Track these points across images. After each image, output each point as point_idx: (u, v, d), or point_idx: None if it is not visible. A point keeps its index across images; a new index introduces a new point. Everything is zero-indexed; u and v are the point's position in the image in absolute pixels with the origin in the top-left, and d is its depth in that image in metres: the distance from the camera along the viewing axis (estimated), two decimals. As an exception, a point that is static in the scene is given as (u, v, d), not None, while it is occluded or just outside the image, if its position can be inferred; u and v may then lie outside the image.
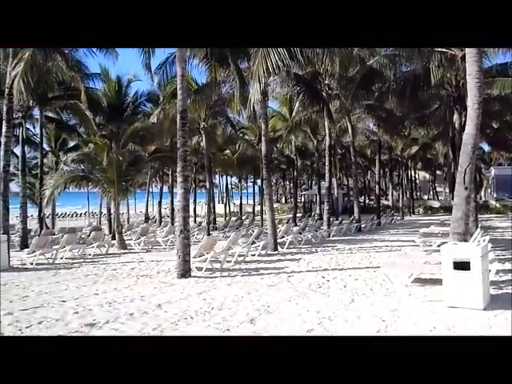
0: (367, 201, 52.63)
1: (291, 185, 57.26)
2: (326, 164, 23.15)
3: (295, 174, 37.66)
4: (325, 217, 22.32)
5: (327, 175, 23.16)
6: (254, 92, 12.79)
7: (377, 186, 35.35)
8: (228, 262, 12.10)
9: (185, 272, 10.27)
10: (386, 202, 44.72)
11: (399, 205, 38.45)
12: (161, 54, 15.59)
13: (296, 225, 24.92)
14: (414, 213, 42.59)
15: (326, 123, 21.96)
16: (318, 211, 31.23)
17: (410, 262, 9.31)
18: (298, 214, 34.97)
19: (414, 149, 38.98)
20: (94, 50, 18.70)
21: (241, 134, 31.82)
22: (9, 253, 13.23)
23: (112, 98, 23.14)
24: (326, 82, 21.99)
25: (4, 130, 14.68)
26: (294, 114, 27.14)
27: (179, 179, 10.73)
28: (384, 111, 24.52)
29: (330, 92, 22.33)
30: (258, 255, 13.60)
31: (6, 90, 14.61)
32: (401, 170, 42.73)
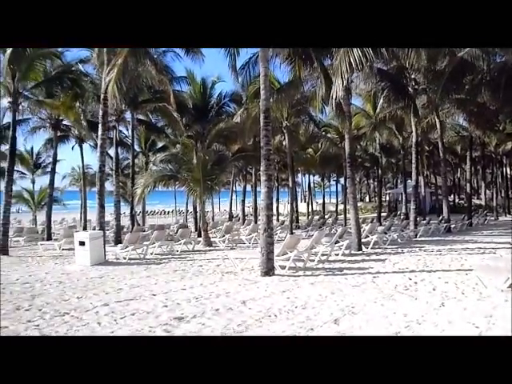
0: (457, 200, 49.91)
1: (375, 183, 55.80)
2: (413, 161, 22.30)
3: (379, 172, 36.57)
4: (411, 216, 21.52)
5: (414, 173, 22.27)
6: (336, 89, 12.58)
7: (468, 185, 33.38)
8: (311, 261, 12.03)
9: (268, 270, 10.36)
10: (477, 202, 42.21)
11: (493, 204, 36.10)
12: (244, 55, 15.77)
13: (381, 224, 24.23)
14: (509, 213, 39.74)
15: (413, 119, 21.15)
16: (403, 210, 30.19)
17: (506, 266, 8.68)
18: (382, 214, 33.94)
19: (510, 144, 36.30)
20: (181, 54, 19.52)
21: (323, 132, 31.48)
22: (104, 248, 14.13)
23: (197, 100, 23.86)
24: (413, 76, 21.16)
25: (100, 132, 15.67)
26: (378, 110, 26.43)
27: (263, 178, 10.84)
28: (476, 105, 23.09)
29: (416, 87, 21.45)
30: (342, 255, 13.38)
31: (102, 96, 15.57)
32: (495, 168, 40.05)
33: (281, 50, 15.03)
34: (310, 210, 44.20)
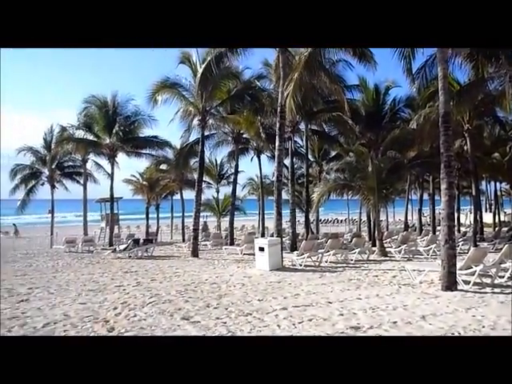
0: None
1: None
2: None
3: None
4: None
5: None
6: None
7: None
8: (500, 277, 10.88)
9: (450, 284, 9.69)
10: None
11: None
12: (420, 58, 15.09)
13: None
14: None
15: None
16: None
17: None
18: None
19: None
20: (353, 63, 19.48)
21: (512, 135, 28.30)
22: (282, 254, 14.79)
23: (370, 107, 23.50)
24: None
25: (277, 144, 16.52)
26: None
27: (443, 186, 10.21)
28: None
29: None
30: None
31: (278, 109, 16.42)
32: None
33: (461, 49, 14.03)
34: (496, 220, 39.97)
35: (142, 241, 20.96)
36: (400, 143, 23.55)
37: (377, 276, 12.34)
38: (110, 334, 6.65)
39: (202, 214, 25.83)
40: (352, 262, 15.84)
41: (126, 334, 6.73)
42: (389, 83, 24.24)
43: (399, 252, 17.33)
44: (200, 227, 36.94)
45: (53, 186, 30.68)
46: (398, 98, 24.12)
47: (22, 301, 9.58)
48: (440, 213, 10.81)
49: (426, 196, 34.04)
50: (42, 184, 31.01)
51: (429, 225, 31.73)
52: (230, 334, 6.60)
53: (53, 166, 30.62)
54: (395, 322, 7.03)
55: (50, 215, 31.11)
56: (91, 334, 6.77)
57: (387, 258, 17.02)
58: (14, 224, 40.93)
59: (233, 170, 29.50)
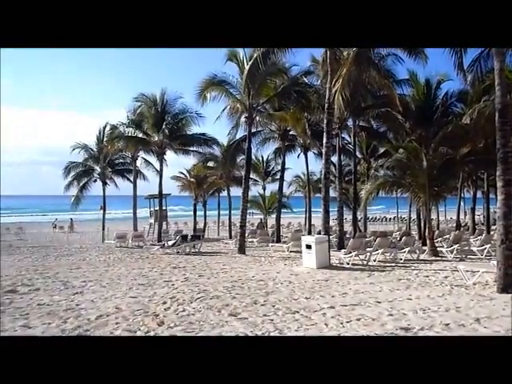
0: None
1: None
2: None
3: None
4: None
5: None
6: None
7: None
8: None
9: (506, 286, 9.28)
10: None
11: None
12: (473, 50, 14.48)
13: None
14: None
15: None
16: None
17: None
18: None
19: None
20: (403, 57, 19.00)
21: None
22: (329, 252, 14.64)
23: (421, 102, 22.74)
24: None
25: (324, 140, 16.36)
26: None
27: (499, 184, 9.77)
28: None
29: None
30: None
31: (326, 105, 16.23)
32: None
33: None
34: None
35: (189, 237, 21.30)
36: (452, 139, 22.74)
37: (427, 276, 11.99)
38: (111, 334, 6.62)
39: (248, 211, 25.93)
40: (401, 261, 15.47)
41: (174, 329, 6.85)
42: (440, 77, 23.43)
43: (451, 252, 16.75)
44: (254, 225, 37.37)
45: (104, 183, 31.67)
46: (450, 92, 23.29)
47: (77, 293, 9.94)
48: (495, 212, 10.36)
49: (479, 194, 32.76)
50: (95, 181, 32.07)
51: (482, 224, 30.51)
52: (277, 332, 6.57)
53: (104, 164, 31.61)
54: (447, 324, 6.80)
55: (101, 211, 32.20)
56: (141, 328, 6.93)
57: (438, 258, 16.51)
58: (71, 219, 42.79)
59: (279, 167, 29.46)
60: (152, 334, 6.64)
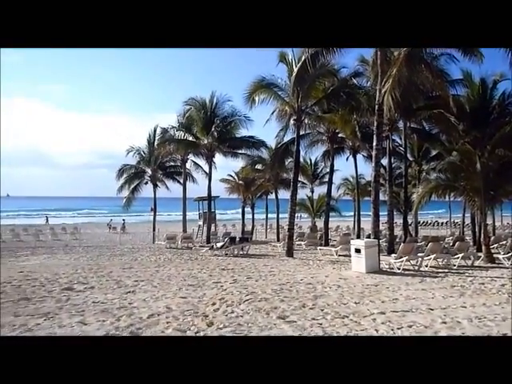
0: None
1: None
2: None
3: None
4: None
5: None
6: None
7: None
8: None
9: None
10: None
11: None
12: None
13: None
14: None
15: None
16: None
17: None
18: None
19: None
20: (457, 56, 18.41)
21: None
22: (379, 256, 14.36)
23: (475, 102, 21.95)
24: None
25: (374, 143, 16.07)
26: None
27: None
28: None
29: None
30: None
31: (376, 107, 15.93)
32: None
33: None
34: None
35: (238, 239, 21.46)
36: (510, 141, 21.79)
37: (483, 284, 11.54)
38: (112, 335, 6.62)
39: (296, 214, 25.81)
40: (454, 267, 14.95)
41: (223, 330, 6.92)
42: (496, 76, 22.52)
43: (508, 259, 16.03)
44: (302, 227, 37.18)
45: (155, 185, 32.40)
46: (507, 92, 22.33)
47: (129, 292, 10.24)
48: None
49: (539, 198, 31.20)
50: (146, 183, 32.83)
51: (542, 230, 29.03)
52: (326, 336, 6.52)
53: (155, 166, 32.35)
54: (505, 334, 6.52)
55: (152, 212, 32.96)
56: (191, 328, 7.05)
57: (494, 265, 15.84)
58: (123, 219, 44.14)
59: (327, 170, 29.19)
60: (201, 334, 6.75)
